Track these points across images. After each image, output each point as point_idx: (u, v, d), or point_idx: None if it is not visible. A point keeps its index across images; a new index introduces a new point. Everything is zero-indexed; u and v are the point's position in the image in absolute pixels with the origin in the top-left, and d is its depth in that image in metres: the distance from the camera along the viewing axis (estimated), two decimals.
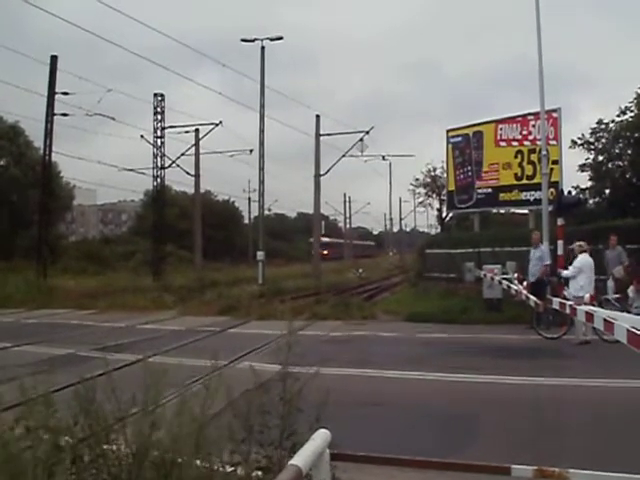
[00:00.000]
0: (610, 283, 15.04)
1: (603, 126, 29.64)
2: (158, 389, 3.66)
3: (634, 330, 5.56)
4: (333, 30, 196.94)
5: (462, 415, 7.69)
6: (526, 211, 26.47)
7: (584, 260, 13.71)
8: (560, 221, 16.39)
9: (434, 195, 56.50)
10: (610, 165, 29.75)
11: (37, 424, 3.48)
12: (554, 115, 22.97)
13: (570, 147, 29.29)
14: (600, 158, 29.88)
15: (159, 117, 36.76)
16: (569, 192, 18.83)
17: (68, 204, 55.92)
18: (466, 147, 27.12)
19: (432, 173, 54.75)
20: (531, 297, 13.53)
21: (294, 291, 28.29)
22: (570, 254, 15.09)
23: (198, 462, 3.37)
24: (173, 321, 19.42)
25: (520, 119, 24.84)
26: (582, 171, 30.18)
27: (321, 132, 38.41)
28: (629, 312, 10.70)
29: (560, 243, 16.06)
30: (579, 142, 29.77)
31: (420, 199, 60.16)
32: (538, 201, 20.35)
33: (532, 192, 23.44)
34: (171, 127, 37.29)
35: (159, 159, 36.76)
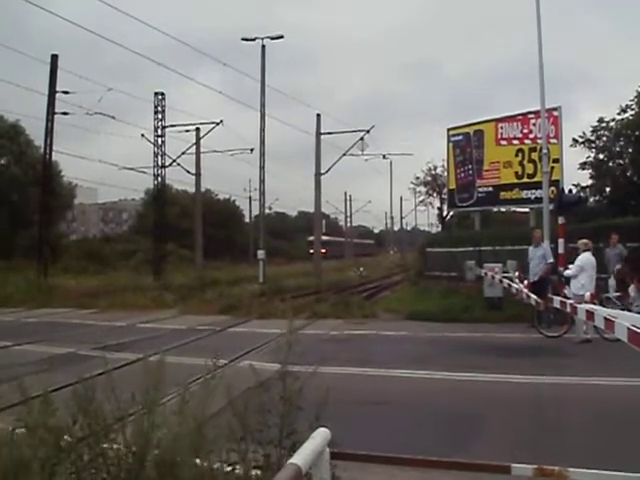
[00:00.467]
0: (611, 281, 15.02)
1: (604, 124, 29.64)
2: (158, 388, 3.66)
3: (635, 328, 5.55)
4: (333, 30, 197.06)
5: (463, 414, 7.68)
6: (527, 210, 26.47)
7: (586, 258, 13.69)
8: (561, 219, 16.39)
9: (435, 194, 56.61)
10: (611, 163, 29.75)
11: (37, 423, 3.48)
12: (555, 113, 22.96)
13: (571, 145, 29.31)
14: (601, 156, 29.89)
15: (160, 116, 36.78)
16: (570, 190, 18.81)
17: (69, 203, 55.94)
18: (467, 146, 27.12)
19: (433, 172, 54.90)
20: (532, 296, 13.52)
21: (295, 290, 28.30)
22: (574, 252, 15.09)
23: (197, 461, 3.37)
24: (174, 320, 19.41)
25: (521, 118, 24.83)
26: (583, 169, 30.21)
27: (322, 131, 38.41)
28: (630, 310, 10.67)
29: (561, 241, 16.06)
30: (580, 140, 29.78)
31: (421, 198, 60.30)
32: (539, 200, 20.34)
33: (533, 191, 23.44)
34: (172, 126, 37.34)
35: (160, 158, 36.79)
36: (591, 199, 29.60)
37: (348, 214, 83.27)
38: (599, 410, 7.65)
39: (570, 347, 12.90)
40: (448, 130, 28.43)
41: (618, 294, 13.83)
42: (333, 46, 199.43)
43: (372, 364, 11.33)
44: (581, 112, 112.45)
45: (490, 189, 26.08)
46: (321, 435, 3.20)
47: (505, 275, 17.08)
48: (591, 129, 29.91)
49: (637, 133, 28.21)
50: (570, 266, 14.21)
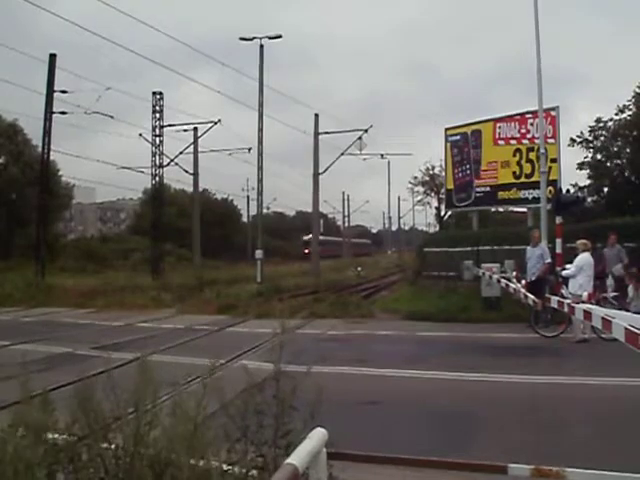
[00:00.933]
0: (610, 281, 15.04)
1: (602, 124, 29.69)
2: (155, 388, 3.66)
3: (632, 328, 5.56)
4: (331, 30, 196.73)
5: (461, 413, 7.68)
6: (524, 210, 26.45)
7: (585, 259, 13.71)
8: (558, 219, 16.40)
9: (433, 193, 56.61)
10: (609, 163, 29.82)
11: (35, 423, 3.48)
12: (552, 113, 22.95)
13: (569, 145, 29.38)
14: (599, 156, 29.94)
15: (158, 116, 36.75)
16: (567, 190, 18.84)
17: (67, 202, 55.87)
18: (465, 145, 27.12)
19: (430, 172, 54.87)
20: (529, 295, 13.53)
21: (293, 289, 28.31)
22: (571, 252, 15.12)
23: (193, 461, 3.37)
24: (172, 319, 19.40)
25: (518, 117, 24.82)
26: (581, 169, 30.28)
27: (320, 131, 38.41)
28: (627, 310, 10.69)
29: (558, 241, 16.07)
30: (578, 140, 29.84)
31: (419, 197, 60.32)
32: (537, 199, 20.34)
33: (530, 190, 23.41)
34: (170, 125, 37.31)
35: (158, 157, 36.75)
36: (589, 199, 29.64)
37: (346, 214, 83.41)
38: (596, 410, 7.66)
39: (567, 347, 12.92)
40: (446, 130, 28.43)
41: (615, 294, 13.86)
42: (331, 46, 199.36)
43: (370, 364, 11.33)
44: (578, 112, 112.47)
45: (488, 189, 26.07)
46: (318, 435, 3.20)
47: (503, 275, 17.08)
48: (589, 129, 29.99)
49: (635, 133, 28.28)
50: (567, 266, 14.23)
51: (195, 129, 38.40)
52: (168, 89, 68.91)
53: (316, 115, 38.52)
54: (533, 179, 22.74)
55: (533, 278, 15.16)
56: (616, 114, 29.17)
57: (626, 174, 29.29)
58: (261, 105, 32.03)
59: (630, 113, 28.70)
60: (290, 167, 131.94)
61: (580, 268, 13.57)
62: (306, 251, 71.71)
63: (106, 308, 22.65)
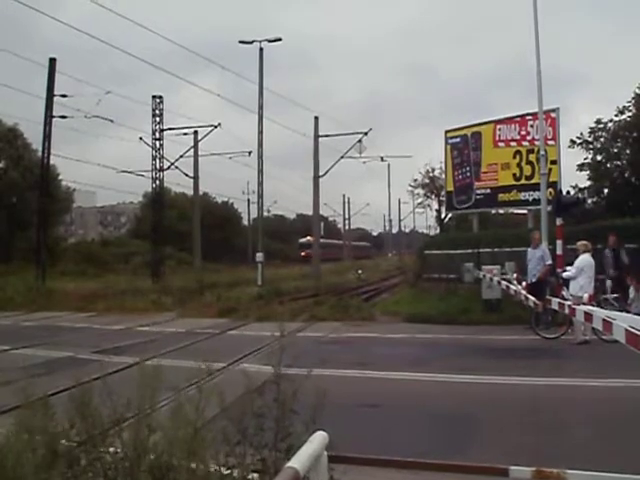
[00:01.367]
0: (608, 283, 15.04)
1: (602, 125, 29.70)
2: (155, 392, 3.66)
3: (633, 330, 5.55)
4: (331, 33, 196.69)
5: (461, 416, 7.68)
6: (525, 211, 26.46)
7: (585, 260, 13.71)
8: (559, 221, 16.40)
9: (433, 196, 56.49)
10: (609, 165, 29.82)
11: (34, 427, 3.48)
12: (552, 115, 22.96)
13: (569, 147, 29.39)
14: (599, 158, 29.94)
15: (158, 119, 36.78)
16: (567, 192, 18.82)
17: (67, 206, 55.94)
18: (464, 148, 27.12)
19: (431, 174, 54.77)
20: (530, 297, 13.52)
21: (293, 292, 28.33)
22: (572, 254, 15.12)
23: (194, 465, 3.37)
24: (172, 323, 19.41)
25: (518, 119, 24.83)
26: (581, 170, 30.27)
27: (320, 133, 38.41)
28: (628, 312, 10.68)
29: (559, 243, 16.07)
30: (578, 142, 29.84)
31: (419, 200, 60.18)
32: (537, 201, 20.34)
33: (531, 192, 23.40)
34: (170, 129, 37.31)
35: (158, 161, 36.78)
36: (589, 200, 29.65)
37: (346, 217, 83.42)
38: (597, 411, 7.65)
39: (568, 349, 12.91)
40: (446, 132, 28.43)
41: (616, 295, 13.85)
42: (331, 48, 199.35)
43: (371, 366, 11.33)
44: (578, 114, 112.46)
45: (488, 191, 26.07)
46: (319, 438, 3.19)
47: (503, 277, 17.07)
48: (589, 130, 30.00)
49: (635, 134, 28.28)
50: (568, 267, 14.23)
51: (195, 133, 38.45)
52: (168, 93, 69.16)
53: (316, 118, 38.59)
54: (533, 181, 22.73)
55: (533, 280, 15.16)
56: (616, 115, 29.21)
57: (626, 175, 29.29)
58: (261, 108, 32.12)
59: (630, 114, 28.72)
60: (290, 170, 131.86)
61: (581, 269, 13.57)
62: (302, 254, 71.64)
63: (107, 312, 22.65)
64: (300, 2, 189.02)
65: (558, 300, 10.95)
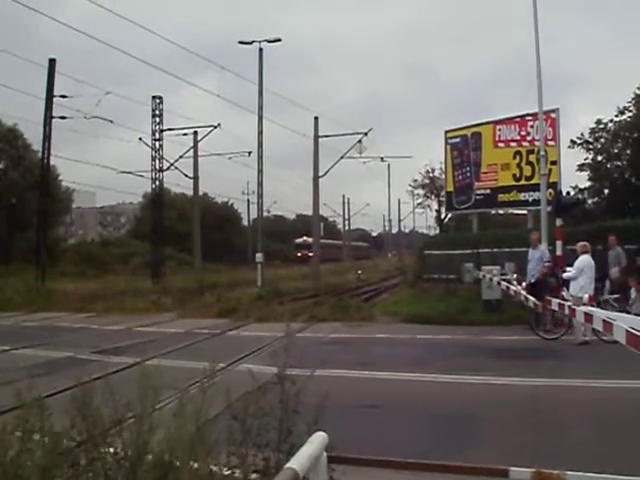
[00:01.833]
0: (607, 284, 15.03)
1: (602, 126, 29.69)
2: (155, 392, 3.65)
3: (633, 331, 5.55)
4: (331, 33, 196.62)
5: (461, 416, 7.68)
6: (525, 212, 26.46)
7: (586, 260, 13.71)
8: (559, 222, 16.39)
9: (433, 196, 56.53)
10: (609, 165, 29.80)
11: (34, 428, 3.48)
12: (552, 115, 22.96)
13: (569, 147, 29.37)
14: (599, 158, 29.93)
15: (157, 120, 36.81)
16: (567, 193, 18.84)
17: (67, 207, 55.94)
18: (464, 148, 27.12)
19: (431, 174, 54.79)
20: (530, 298, 13.52)
21: (293, 293, 28.31)
22: (572, 255, 15.13)
23: (195, 465, 3.36)
24: (172, 323, 19.41)
25: (518, 120, 24.84)
26: (581, 171, 30.26)
27: (320, 134, 38.40)
28: (628, 312, 10.68)
29: (559, 243, 16.06)
30: (578, 142, 29.83)
31: (419, 200, 60.24)
32: (537, 202, 20.34)
33: (531, 193, 23.42)
34: (169, 130, 37.34)
35: (158, 162, 36.81)
36: (589, 201, 29.65)
37: (346, 217, 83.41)
38: (597, 412, 7.66)
39: (568, 349, 12.91)
40: (446, 132, 28.42)
41: (616, 296, 13.84)
42: (330, 49, 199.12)
43: (370, 367, 11.33)
44: (578, 115, 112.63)
45: (488, 191, 26.07)
46: (318, 439, 3.19)
47: (503, 277, 17.07)
48: (589, 131, 29.99)
49: (635, 135, 28.27)
50: (568, 268, 14.22)
51: (195, 133, 38.47)
52: (168, 93, 69.08)
53: (316, 118, 38.58)
54: (533, 181, 22.74)
55: (532, 280, 15.16)
56: (616, 115, 29.20)
57: (626, 176, 29.28)
58: (261, 108, 32.11)
59: (630, 115, 28.71)
60: (290, 170, 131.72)
61: (581, 270, 13.57)
62: (298, 254, 71.49)
63: (106, 312, 22.65)
64: (300, 3, 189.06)
65: (558, 301, 10.95)
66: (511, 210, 30.45)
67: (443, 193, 40.41)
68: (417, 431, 7.20)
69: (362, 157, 39.98)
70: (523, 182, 24.43)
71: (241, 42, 31.35)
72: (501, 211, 32.49)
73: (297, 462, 2.81)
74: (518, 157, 24.73)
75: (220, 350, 12.21)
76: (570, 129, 60.13)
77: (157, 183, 37.30)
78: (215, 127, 36.99)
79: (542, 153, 18.21)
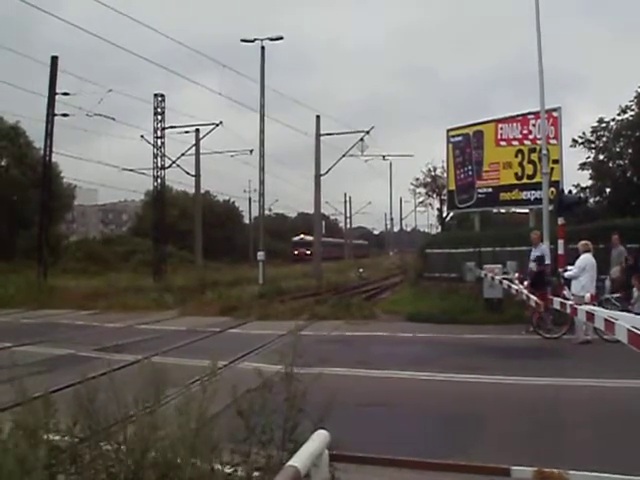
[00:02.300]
0: (607, 283, 15.02)
1: (604, 125, 29.66)
2: (158, 389, 3.66)
3: (635, 330, 5.55)
4: (332, 33, 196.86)
5: (463, 415, 7.68)
6: (527, 210, 26.43)
7: (587, 259, 13.69)
8: (561, 220, 16.37)
9: (434, 195, 56.63)
10: (611, 164, 29.77)
11: (37, 424, 3.48)
12: (554, 114, 22.93)
13: (571, 146, 29.34)
14: (601, 157, 29.91)
15: (159, 117, 36.78)
16: (569, 191, 18.82)
17: (69, 204, 55.98)
18: (466, 147, 27.08)
19: (432, 173, 54.88)
20: (531, 297, 13.51)
21: (294, 291, 28.30)
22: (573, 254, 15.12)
23: (198, 462, 3.37)
24: (174, 321, 19.41)
25: (520, 118, 24.80)
26: (583, 170, 30.24)
27: (321, 132, 38.38)
28: (630, 312, 10.67)
29: (561, 242, 16.04)
30: (580, 141, 29.80)
31: (420, 199, 60.39)
32: (539, 200, 20.32)
33: (532, 191, 23.41)
34: (171, 127, 37.33)
35: (159, 159, 36.79)
36: (591, 200, 29.62)
37: (348, 215, 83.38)
38: (599, 412, 7.65)
39: (570, 348, 12.90)
40: (448, 131, 28.39)
41: (618, 295, 13.82)
42: (332, 48, 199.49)
43: (372, 365, 11.33)
44: (579, 115, 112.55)
45: (490, 190, 26.04)
46: (320, 437, 3.20)
47: (505, 276, 17.05)
48: (591, 129, 29.96)
49: (637, 134, 28.25)
50: (569, 267, 14.20)
51: (197, 131, 38.51)
52: (170, 91, 68.92)
53: (317, 117, 38.56)
54: (535, 180, 22.74)
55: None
56: (618, 114, 29.17)
57: (628, 175, 29.25)
58: (262, 107, 32.04)
59: (632, 113, 28.68)
60: (292, 168, 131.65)
61: (582, 269, 13.55)
62: (295, 252, 71.08)
63: (108, 310, 22.65)
64: (302, 2, 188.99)
65: (560, 300, 10.94)
66: (513, 209, 30.45)
67: (445, 192, 40.43)
68: (418, 430, 7.20)
69: (364, 155, 39.93)
70: (525, 181, 24.41)
71: (243, 40, 31.28)
72: (503, 210, 32.48)
73: (299, 460, 2.82)
74: (520, 156, 24.70)
75: (221, 348, 12.21)
76: (571, 128, 60.00)
77: (159, 181, 37.32)
78: (217, 125, 37.04)
79: (544, 152, 18.17)
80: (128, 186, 75.93)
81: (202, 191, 45.26)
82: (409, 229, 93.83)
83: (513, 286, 15.55)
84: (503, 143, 25.39)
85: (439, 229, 56.11)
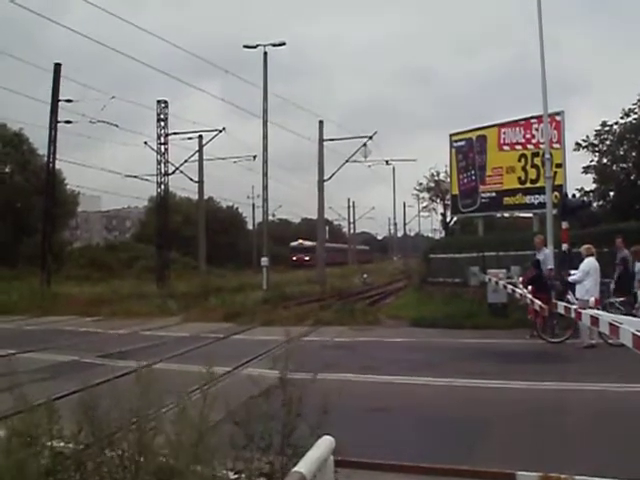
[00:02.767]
0: (612, 286, 14.97)
1: (607, 128, 29.62)
2: (160, 396, 3.65)
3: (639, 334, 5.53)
4: (335, 38, 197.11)
5: (468, 420, 7.65)
6: (530, 215, 26.39)
7: (591, 263, 13.66)
8: (564, 225, 16.35)
9: (438, 199, 56.58)
10: (614, 167, 29.71)
11: (41, 431, 3.48)
12: (557, 118, 22.91)
13: (574, 149, 29.29)
14: (604, 160, 29.85)
15: (162, 124, 36.88)
16: (573, 195, 18.79)
17: (72, 211, 56.06)
18: (469, 151, 27.08)
19: (435, 177, 54.83)
20: (535, 301, 13.48)
21: (298, 297, 28.30)
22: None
23: (200, 469, 3.36)
24: (177, 327, 19.40)
25: (523, 123, 24.78)
26: (586, 173, 30.18)
27: (324, 138, 38.41)
28: (635, 316, 10.64)
29: (565, 246, 16.01)
30: (583, 144, 29.76)
31: (424, 204, 60.35)
32: (542, 205, 20.28)
33: (536, 196, 23.37)
34: (174, 134, 37.47)
35: (163, 166, 36.85)
36: (594, 204, 29.55)
37: (351, 221, 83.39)
38: (605, 416, 7.62)
39: (575, 353, 12.86)
40: (451, 136, 28.39)
41: (622, 299, 13.78)
42: (334, 53, 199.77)
43: (376, 371, 11.30)
44: (581, 119, 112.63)
45: (493, 194, 26.02)
46: (325, 443, 3.19)
47: (509, 281, 17.02)
48: (594, 133, 29.92)
49: None
50: (573, 271, 14.17)
51: (200, 137, 38.61)
52: (173, 97, 69.07)
53: (320, 122, 38.59)
54: (538, 184, 22.69)
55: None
56: (621, 118, 29.12)
57: (632, 178, 29.18)
58: (265, 112, 32.09)
59: (636, 117, 28.63)
60: (295, 174, 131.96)
61: (586, 273, 13.52)
62: (294, 258, 70.46)
63: (112, 316, 22.65)
64: (303, 8, 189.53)
65: (564, 304, 10.92)
66: (516, 213, 30.40)
67: (448, 196, 40.39)
68: (423, 435, 7.17)
69: (367, 160, 39.97)
70: (528, 185, 24.38)
71: (246, 46, 31.37)
72: (506, 214, 32.43)
73: (304, 466, 2.81)
74: (523, 160, 24.67)
75: (225, 354, 12.19)
76: (574, 132, 60.04)
77: (162, 187, 37.38)
78: (220, 131, 37.17)
79: (547, 156, 18.14)
80: (131, 192, 76.36)
81: (205, 197, 45.38)
82: (413, 234, 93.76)
83: (517, 290, 15.53)
84: (506, 147, 25.37)
85: (443, 234, 56.09)
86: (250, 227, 74.99)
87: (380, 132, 41.06)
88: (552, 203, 17.86)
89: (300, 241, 73.21)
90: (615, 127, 29.35)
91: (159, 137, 36.77)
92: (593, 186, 30.16)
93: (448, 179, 36.08)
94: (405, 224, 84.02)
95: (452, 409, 8.43)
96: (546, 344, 13.89)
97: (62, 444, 3.57)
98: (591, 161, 29.92)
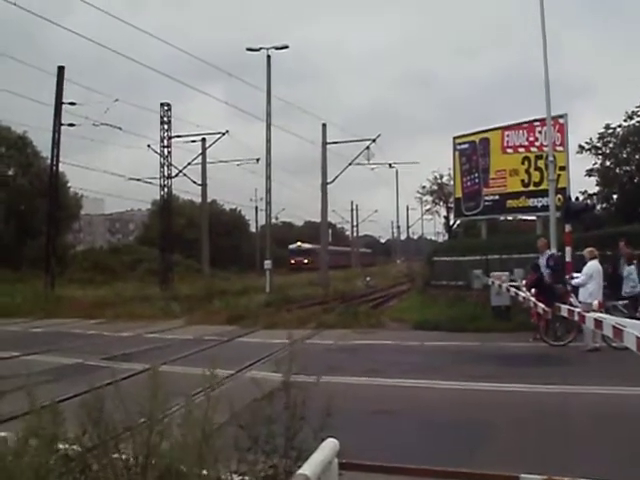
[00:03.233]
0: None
1: (610, 131, 29.63)
2: (165, 398, 3.66)
3: None
4: (338, 41, 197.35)
5: (471, 423, 7.65)
6: (534, 218, 26.40)
7: (594, 266, 13.64)
8: (568, 228, 16.34)
9: (441, 202, 56.64)
10: (618, 170, 29.73)
11: (46, 433, 3.48)
12: (560, 121, 22.93)
13: (577, 152, 29.33)
14: (608, 163, 29.86)
15: (166, 127, 36.96)
16: (576, 198, 18.78)
17: (76, 214, 56.17)
18: (473, 154, 27.09)
19: (439, 180, 54.88)
20: (539, 304, 13.47)
21: (302, 300, 28.27)
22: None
23: (204, 472, 3.37)
24: (181, 330, 19.41)
25: (526, 125, 24.80)
26: (589, 176, 30.22)
27: (327, 141, 38.43)
28: (638, 319, 10.63)
29: (568, 250, 15.99)
30: (586, 147, 29.79)
31: (427, 207, 60.42)
32: (545, 207, 20.29)
33: (539, 198, 23.37)
34: (178, 137, 37.50)
35: (166, 168, 36.96)
36: (598, 206, 29.55)
37: (355, 223, 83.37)
38: (609, 419, 7.61)
39: (579, 356, 12.84)
40: (454, 138, 28.41)
41: (625, 302, 13.75)
42: (337, 57, 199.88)
43: (379, 374, 11.30)
44: (582, 121, 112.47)
45: (496, 197, 26.03)
46: (330, 446, 3.19)
47: (512, 283, 17.00)
48: (598, 136, 29.94)
49: None
50: (576, 274, 14.15)
51: (203, 140, 38.63)
52: (176, 100, 69.08)
53: (324, 125, 38.61)
54: (542, 187, 22.69)
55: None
56: (625, 120, 29.15)
57: (635, 181, 29.19)
58: (269, 115, 32.18)
59: (639, 119, 28.66)
60: (298, 177, 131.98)
61: (590, 276, 13.49)
62: (292, 262, 70.13)
63: (115, 319, 22.67)
64: (307, 11, 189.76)
65: (567, 307, 10.91)
66: (520, 216, 30.39)
67: (451, 199, 40.41)
68: (427, 438, 7.18)
69: (370, 163, 39.97)
70: (532, 188, 24.38)
71: (249, 49, 31.45)
72: (510, 217, 32.43)
73: (309, 468, 2.81)
74: (526, 163, 24.69)
75: (229, 357, 12.20)
76: (577, 135, 59.99)
77: (166, 190, 37.46)
78: (223, 134, 37.21)
79: (550, 159, 18.16)
80: (135, 195, 76.38)
81: (209, 200, 45.47)
82: (416, 237, 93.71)
83: (520, 293, 15.51)
84: (509, 150, 25.39)
85: (446, 237, 56.17)
86: (253, 230, 75.07)
87: (383, 135, 41.23)
88: (555, 206, 17.87)
89: (299, 244, 73.12)
90: (618, 130, 29.40)
91: (162, 140, 36.87)
92: (596, 189, 30.26)
93: (451, 182, 36.17)
94: (408, 227, 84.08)
95: (455, 412, 8.43)
96: (549, 347, 13.87)
97: (67, 446, 3.58)
98: (594, 164, 30.00)
